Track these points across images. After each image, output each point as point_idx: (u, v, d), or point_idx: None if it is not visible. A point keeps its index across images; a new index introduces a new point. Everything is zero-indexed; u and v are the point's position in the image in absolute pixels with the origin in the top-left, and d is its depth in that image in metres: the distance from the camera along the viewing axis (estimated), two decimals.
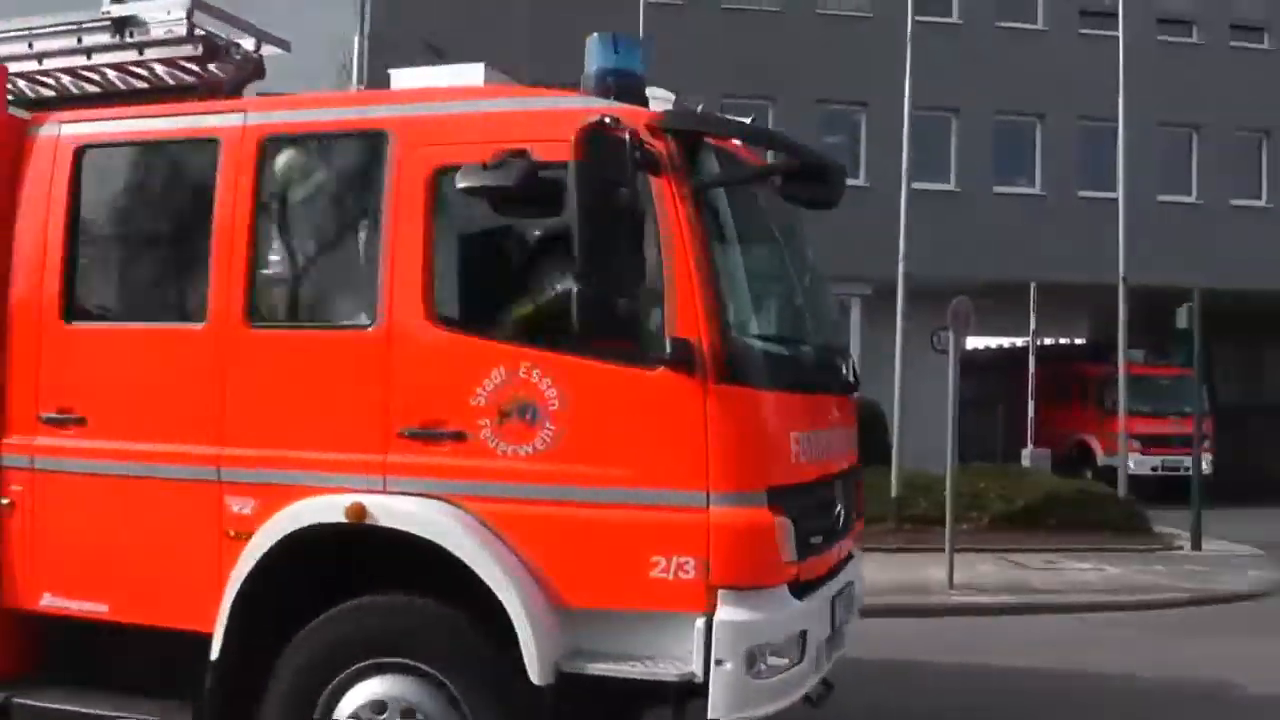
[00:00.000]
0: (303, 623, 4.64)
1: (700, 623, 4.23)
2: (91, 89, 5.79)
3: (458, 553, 4.39)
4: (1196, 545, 15.18)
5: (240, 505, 4.73)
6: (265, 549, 4.62)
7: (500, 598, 4.33)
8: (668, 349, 4.28)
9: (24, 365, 5.17)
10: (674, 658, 4.31)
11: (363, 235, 4.81)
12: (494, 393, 4.45)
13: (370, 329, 4.65)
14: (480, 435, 4.46)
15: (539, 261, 4.60)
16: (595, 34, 4.81)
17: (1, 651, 5.16)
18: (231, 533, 4.73)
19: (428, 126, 4.70)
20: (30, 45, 5.60)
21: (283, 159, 4.87)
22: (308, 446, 4.69)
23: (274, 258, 4.90)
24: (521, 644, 4.30)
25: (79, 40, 5.51)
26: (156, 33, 5.35)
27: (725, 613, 4.22)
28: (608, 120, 4.31)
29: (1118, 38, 20.09)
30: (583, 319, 4.14)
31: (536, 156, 4.36)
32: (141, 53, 5.40)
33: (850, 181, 5.41)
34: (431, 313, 4.57)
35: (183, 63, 5.49)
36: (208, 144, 4.99)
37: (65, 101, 5.72)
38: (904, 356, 16.47)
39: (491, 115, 4.70)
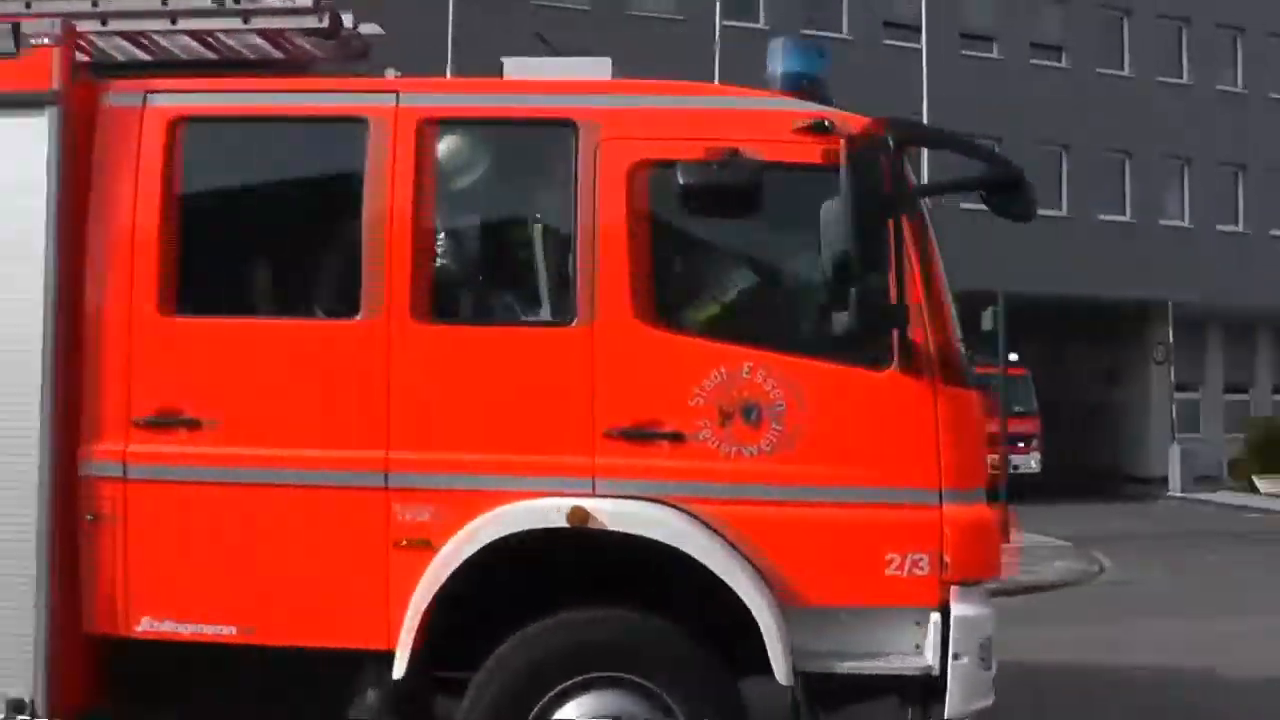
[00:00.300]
0: (480, 635, 4.52)
1: (936, 617, 4.43)
2: (142, 55, 5.30)
3: (698, 555, 4.41)
4: (1005, 538, 16.45)
5: (413, 512, 4.53)
6: (465, 557, 4.45)
7: (745, 600, 4.39)
8: (900, 352, 4.46)
9: (109, 362, 4.71)
10: (902, 653, 4.51)
11: (547, 228, 4.72)
12: (714, 393, 4.49)
13: (571, 326, 4.56)
14: (699, 436, 4.49)
15: (754, 260, 4.72)
16: (783, 38, 5.03)
17: (76, 682, 4.73)
18: (403, 542, 4.52)
19: (627, 119, 4.68)
20: (94, 3, 5.07)
21: (447, 144, 4.70)
22: (497, 449, 4.55)
23: (443, 249, 4.71)
24: (768, 645, 4.38)
25: (164, 2, 5.05)
26: (272, 1, 4.98)
27: (960, 608, 4.43)
28: (828, 124, 4.52)
29: (921, 50, 21.66)
30: (864, 322, 4.30)
31: (754, 155, 4.48)
32: (247, 21, 4.99)
33: None
34: (641, 311, 4.54)
35: (273, 36, 5.11)
36: (352, 124, 4.73)
37: (107, 69, 5.23)
38: None
39: (698, 111, 4.74)
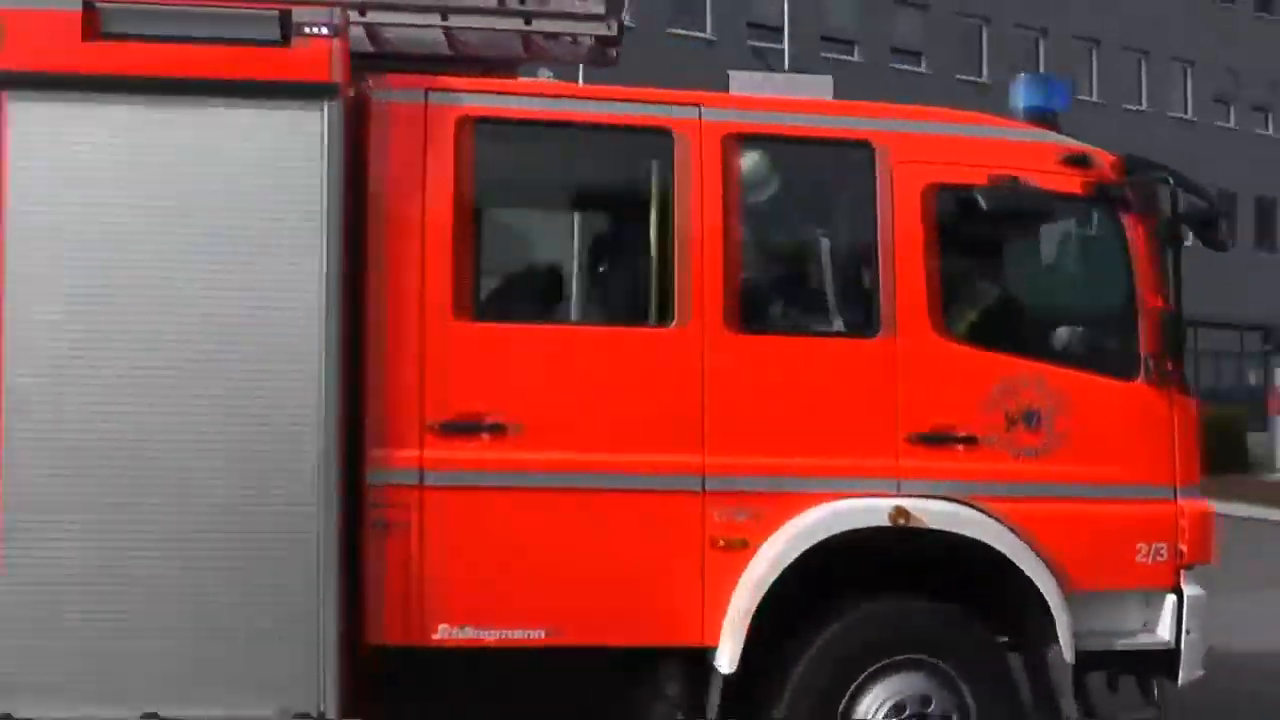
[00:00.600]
0: (787, 629, 4.86)
1: (1171, 598, 5.13)
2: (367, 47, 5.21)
3: (1004, 550, 4.91)
4: None
5: (729, 514, 4.81)
6: (794, 556, 4.78)
7: (1042, 589, 4.91)
8: (1145, 365, 5.13)
9: (399, 366, 4.72)
10: (1141, 631, 5.17)
11: (847, 244, 5.10)
12: (1000, 400, 4.99)
13: (875, 338, 4.95)
14: (989, 439, 4.98)
15: (1031, 280, 5.28)
16: (1026, 74, 5.63)
17: (355, 694, 4.71)
18: (720, 542, 4.80)
19: (917, 143, 5.09)
20: None
21: (750, 160, 4.95)
22: (806, 452, 4.88)
23: (749, 261, 4.97)
24: (1059, 629, 4.94)
25: None
26: (561, 4, 5.09)
27: (1191, 589, 5.15)
28: (1088, 158, 5.13)
29: (783, 50, 22.74)
30: (1171, 340, 5.03)
31: (1030, 183, 5.02)
32: (529, 22, 5.07)
33: None
34: (937, 325, 4.98)
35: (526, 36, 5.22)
36: (656, 135, 4.92)
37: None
38: None
39: (977, 140, 5.21)
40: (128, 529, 4.65)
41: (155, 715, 4.59)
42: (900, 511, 4.84)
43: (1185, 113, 35.86)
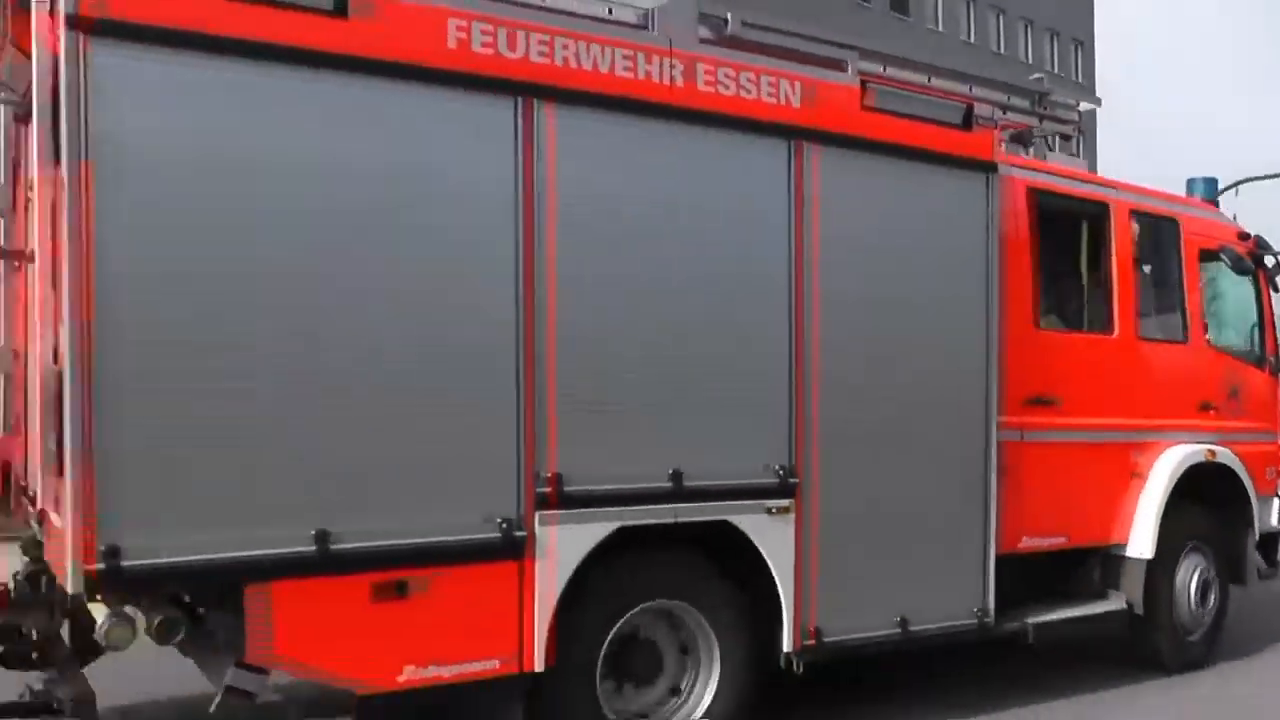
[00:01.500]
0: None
1: (1277, 501, 9.14)
2: None
3: (1241, 475, 8.54)
4: None
5: (1136, 456, 7.96)
6: (1176, 479, 8.00)
7: (1250, 495, 8.65)
8: (1269, 360, 9.09)
9: (1010, 360, 7.10)
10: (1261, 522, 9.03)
11: (1169, 285, 8.39)
12: (1224, 383, 8.66)
13: (1184, 344, 8.35)
14: (1220, 406, 8.60)
15: (1229, 307, 8.96)
16: (1198, 176, 9.19)
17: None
18: (1134, 474, 7.93)
19: (1190, 221, 8.48)
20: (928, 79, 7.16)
21: (1137, 227, 8.03)
22: (1160, 415, 8.13)
23: (1142, 293, 8.10)
24: (1254, 519, 8.74)
25: (1008, 97, 7.42)
26: (1058, 112, 7.67)
27: None
28: (1248, 234, 8.99)
29: None
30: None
31: (1234, 249, 8.71)
32: (1040, 122, 7.65)
33: None
34: (1200, 337, 8.50)
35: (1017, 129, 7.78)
36: (1100, 206, 7.84)
37: None
38: None
39: (1212, 221, 8.77)
40: (888, 479, 6.52)
41: (904, 620, 6.53)
42: (1211, 452, 8.34)
43: None
